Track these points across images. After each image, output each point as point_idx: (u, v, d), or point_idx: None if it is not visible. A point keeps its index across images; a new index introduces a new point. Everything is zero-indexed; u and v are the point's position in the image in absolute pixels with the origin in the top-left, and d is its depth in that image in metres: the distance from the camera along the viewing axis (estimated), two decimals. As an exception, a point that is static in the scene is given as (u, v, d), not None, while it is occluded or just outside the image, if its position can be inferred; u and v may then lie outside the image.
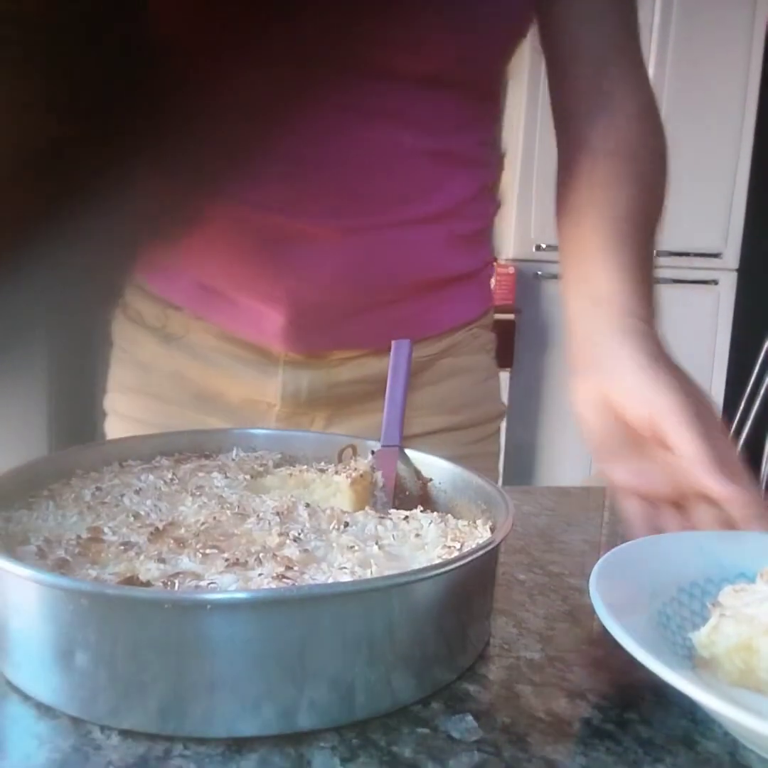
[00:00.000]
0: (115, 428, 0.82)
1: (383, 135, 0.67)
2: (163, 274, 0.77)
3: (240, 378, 0.75)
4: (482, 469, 0.70)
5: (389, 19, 0.63)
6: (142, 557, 0.42)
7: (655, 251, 0.65)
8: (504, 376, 2.21)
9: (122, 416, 0.81)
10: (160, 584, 0.39)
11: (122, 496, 0.51)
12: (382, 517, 0.49)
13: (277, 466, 0.60)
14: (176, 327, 0.76)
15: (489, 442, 0.83)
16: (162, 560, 0.42)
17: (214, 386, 0.77)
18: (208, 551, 0.42)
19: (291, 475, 0.57)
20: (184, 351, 0.76)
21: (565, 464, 2.78)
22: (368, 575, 0.41)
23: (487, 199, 0.78)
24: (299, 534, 0.45)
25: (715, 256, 2.77)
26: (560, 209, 0.70)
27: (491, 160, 0.77)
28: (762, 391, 2.02)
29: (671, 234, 2.73)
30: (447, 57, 0.66)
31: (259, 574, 0.40)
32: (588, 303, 0.60)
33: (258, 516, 0.48)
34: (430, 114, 0.69)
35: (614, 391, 0.54)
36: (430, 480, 0.59)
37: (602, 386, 0.55)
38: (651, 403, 0.51)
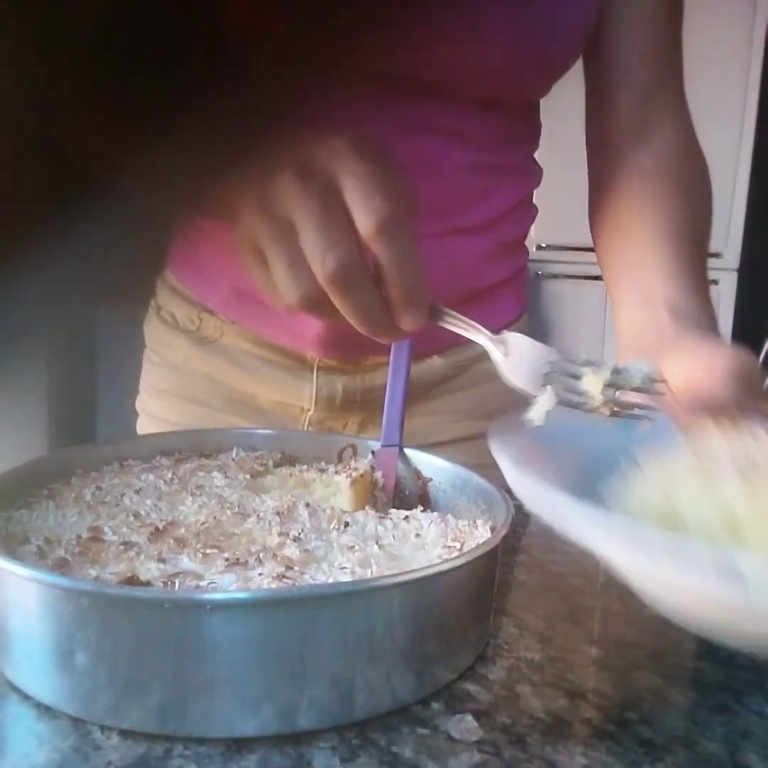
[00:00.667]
0: (146, 429, 0.82)
1: (432, 148, 0.68)
2: (199, 278, 0.77)
3: (274, 382, 0.76)
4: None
5: (452, 42, 0.63)
6: (142, 557, 0.42)
7: (706, 270, 0.64)
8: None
9: (154, 417, 0.82)
10: (161, 584, 0.39)
11: (122, 495, 0.51)
12: (382, 517, 0.49)
13: (277, 465, 0.60)
14: (210, 330, 0.76)
15: None
16: (162, 560, 0.42)
17: (247, 390, 0.77)
18: (208, 551, 0.42)
19: (291, 474, 0.57)
20: (217, 354, 0.77)
21: (565, 464, 2.78)
22: (368, 575, 0.41)
23: (528, 207, 0.78)
24: (299, 534, 0.45)
25: (716, 256, 2.76)
26: (601, 227, 0.70)
27: (534, 170, 0.78)
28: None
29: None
30: (508, 83, 0.67)
31: (260, 574, 0.40)
32: (647, 306, 0.57)
33: (258, 516, 0.48)
34: (481, 130, 0.70)
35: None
36: (431, 480, 0.59)
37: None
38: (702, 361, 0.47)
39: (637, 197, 0.68)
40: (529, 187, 0.78)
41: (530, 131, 0.76)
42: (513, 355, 0.46)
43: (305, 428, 0.77)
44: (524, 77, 0.68)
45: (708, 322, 0.55)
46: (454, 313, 0.47)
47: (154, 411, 0.82)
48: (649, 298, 0.58)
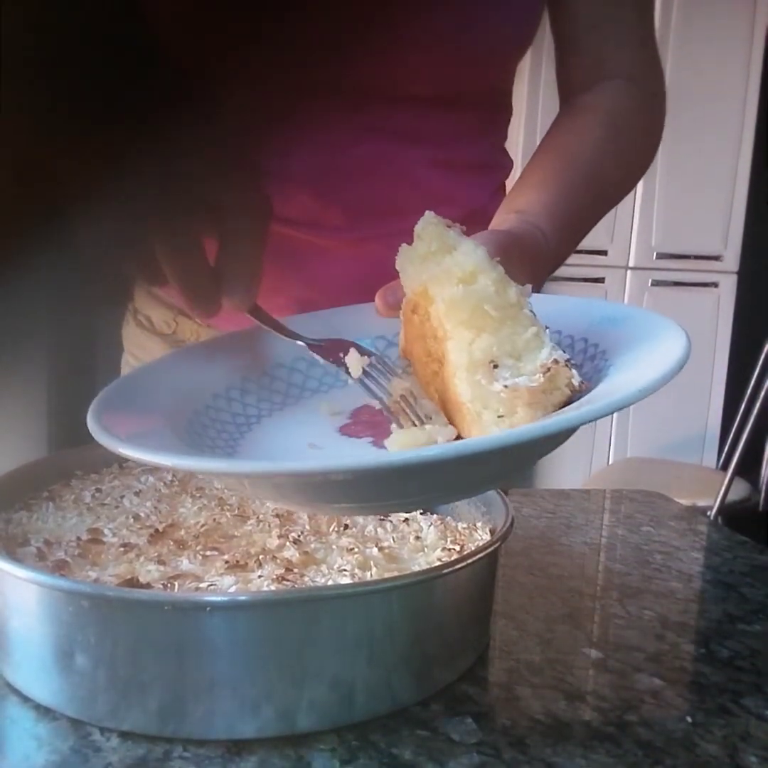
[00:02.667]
0: None
1: (388, 150, 0.68)
2: None
3: None
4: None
5: (388, 44, 0.63)
6: (142, 559, 0.42)
7: (597, 205, 0.67)
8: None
9: None
10: (160, 586, 0.39)
11: (122, 497, 0.51)
12: (382, 520, 0.49)
13: (277, 467, 0.60)
14: (186, 333, 0.76)
15: None
16: (162, 562, 0.42)
17: None
18: (208, 553, 0.42)
19: (291, 476, 0.57)
20: None
21: (564, 467, 2.78)
22: (368, 577, 0.41)
23: (500, 199, 0.78)
24: (299, 536, 0.45)
25: (715, 258, 2.77)
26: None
27: (503, 162, 0.78)
28: (762, 394, 2.01)
29: (671, 237, 2.74)
30: (450, 77, 0.67)
31: (259, 576, 0.40)
32: (502, 213, 0.60)
33: (258, 518, 0.48)
34: (441, 129, 0.69)
35: None
36: (430, 482, 0.59)
37: None
38: None
39: (554, 128, 0.70)
40: (500, 178, 0.77)
41: (493, 122, 0.75)
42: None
43: None
44: (469, 70, 0.67)
45: (542, 225, 0.58)
46: (274, 318, 0.50)
47: None
48: (507, 205, 0.62)
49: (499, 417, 0.37)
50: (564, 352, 0.39)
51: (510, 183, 0.75)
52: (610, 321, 0.44)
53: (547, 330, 0.39)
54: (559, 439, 0.38)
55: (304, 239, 0.68)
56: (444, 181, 0.71)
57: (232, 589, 0.39)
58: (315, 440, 0.45)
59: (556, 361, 0.37)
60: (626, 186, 0.73)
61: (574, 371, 0.37)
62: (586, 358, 0.43)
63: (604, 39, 0.71)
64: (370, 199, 0.69)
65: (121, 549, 0.43)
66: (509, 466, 0.40)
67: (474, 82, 0.69)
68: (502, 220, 0.58)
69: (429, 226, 0.41)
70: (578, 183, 0.64)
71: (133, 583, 0.40)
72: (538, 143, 0.69)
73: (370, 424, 0.47)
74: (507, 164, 0.78)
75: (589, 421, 0.33)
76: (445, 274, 0.39)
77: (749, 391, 2.24)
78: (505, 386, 0.37)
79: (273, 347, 0.51)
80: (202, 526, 0.47)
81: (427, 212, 0.42)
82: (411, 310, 0.43)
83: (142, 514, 0.48)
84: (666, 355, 0.38)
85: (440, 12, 0.63)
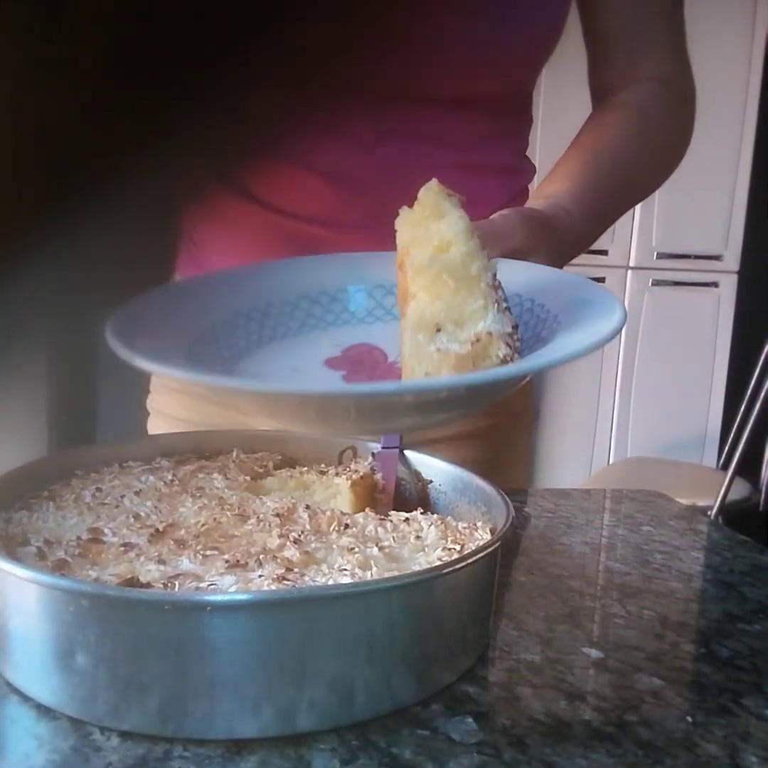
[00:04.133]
0: (156, 427, 0.84)
1: (411, 151, 0.69)
2: None
3: None
4: (512, 474, 0.72)
5: (416, 46, 0.64)
6: (142, 558, 0.42)
7: (623, 195, 0.70)
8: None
9: (164, 415, 0.83)
10: (160, 585, 0.39)
11: (122, 497, 0.51)
12: (382, 519, 0.49)
13: (277, 467, 0.60)
14: None
15: (519, 446, 0.84)
16: (162, 561, 0.42)
17: None
18: (208, 553, 0.42)
19: (291, 476, 0.57)
20: None
21: (564, 467, 2.78)
22: (368, 577, 0.41)
23: (522, 202, 0.79)
24: (299, 535, 0.45)
25: (716, 258, 2.77)
26: None
27: (525, 167, 0.78)
28: (762, 394, 2.01)
29: (672, 236, 2.74)
30: (475, 80, 0.68)
31: (260, 576, 0.40)
32: (534, 200, 0.63)
33: (258, 517, 0.48)
34: (464, 131, 0.70)
35: None
36: (430, 482, 0.59)
37: None
38: None
39: (587, 124, 0.72)
40: (522, 183, 0.78)
41: (516, 127, 0.76)
42: None
43: None
44: (494, 73, 0.68)
45: (569, 208, 0.60)
46: None
47: (167, 409, 0.83)
48: (536, 194, 0.64)
49: (425, 374, 0.41)
50: (519, 318, 0.44)
51: (532, 188, 0.76)
52: (564, 290, 0.48)
53: (506, 304, 0.43)
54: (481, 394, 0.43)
55: (325, 237, 0.69)
56: (466, 183, 0.72)
57: (233, 589, 0.39)
58: (300, 366, 0.49)
59: (489, 334, 0.41)
60: (655, 180, 0.75)
61: (502, 344, 0.41)
62: (540, 321, 0.47)
63: (639, 42, 0.73)
64: (391, 199, 0.69)
65: (122, 548, 0.43)
66: (421, 410, 0.44)
67: (498, 85, 0.70)
68: (531, 205, 0.61)
69: (430, 193, 0.44)
70: (605, 172, 0.66)
71: (133, 582, 0.40)
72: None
73: (354, 361, 0.51)
74: (529, 169, 0.79)
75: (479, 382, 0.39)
76: (425, 239, 0.42)
77: (749, 390, 2.24)
78: (438, 349, 0.41)
79: (290, 281, 0.54)
80: (203, 525, 0.47)
81: (432, 179, 0.45)
82: (398, 267, 0.45)
83: (142, 514, 0.48)
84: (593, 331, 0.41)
85: (467, 12, 0.64)
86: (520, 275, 0.50)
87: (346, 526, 0.47)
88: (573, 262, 0.65)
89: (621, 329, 0.41)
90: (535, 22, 0.67)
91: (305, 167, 0.67)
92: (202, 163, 0.69)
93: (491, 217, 0.56)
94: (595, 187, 0.64)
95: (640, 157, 0.70)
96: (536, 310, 0.48)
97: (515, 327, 0.43)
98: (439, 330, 0.41)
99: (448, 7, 0.63)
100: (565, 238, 0.58)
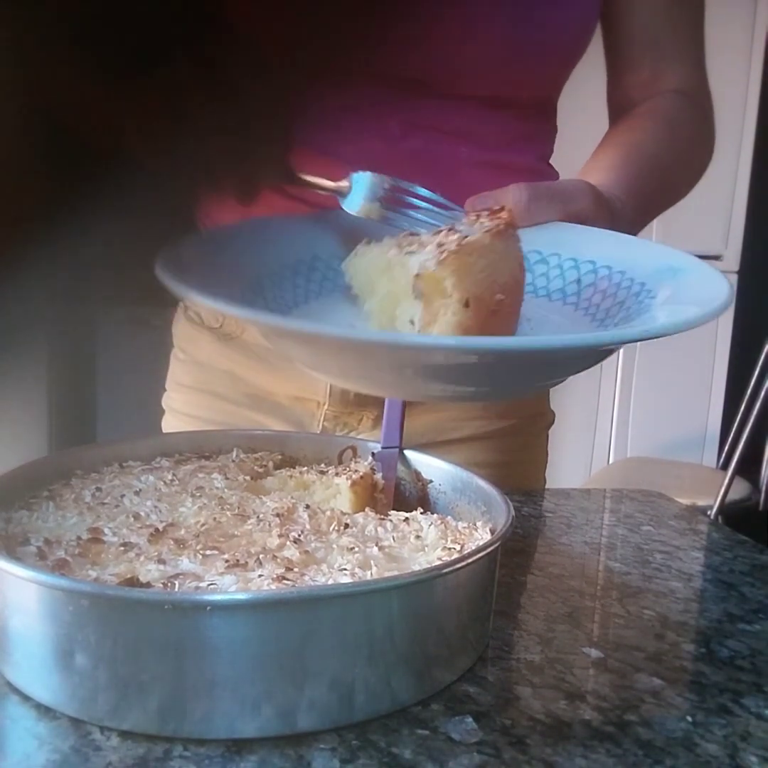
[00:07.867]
0: (170, 425, 0.84)
1: (438, 147, 0.69)
2: None
3: (290, 376, 0.77)
4: (530, 476, 0.71)
5: (448, 38, 0.64)
6: (142, 558, 0.42)
7: (662, 195, 0.70)
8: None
9: (179, 413, 0.83)
10: (160, 585, 0.39)
11: (122, 496, 0.51)
12: (382, 519, 0.49)
13: (277, 467, 0.60)
14: (232, 326, 0.79)
15: (536, 448, 0.84)
16: (162, 561, 0.42)
17: (265, 385, 0.79)
18: (208, 552, 0.42)
19: (291, 476, 0.57)
20: (238, 350, 0.79)
21: (564, 467, 2.78)
22: (368, 577, 0.41)
23: None
24: (299, 535, 0.45)
25: (716, 258, 2.77)
26: None
27: (549, 173, 0.79)
28: (762, 394, 2.01)
29: (671, 236, 2.73)
30: (504, 78, 0.68)
31: (259, 576, 0.40)
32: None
33: (258, 517, 0.48)
34: (488, 129, 0.71)
35: None
36: (430, 482, 0.59)
37: None
38: None
39: (616, 128, 0.73)
40: None
41: (542, 132, 0.77)
42: (353, 192, 0.54)
43: (320, 424, 0.78)
44: (525, 72, 0.68)
45: (619, 194, 0.61)
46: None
47: (179, 406, 0.84)
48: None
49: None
50: (593, 285, 0.48)
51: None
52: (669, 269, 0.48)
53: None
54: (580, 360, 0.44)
55: None
56: (489, 182, 0.72)
57: (233, 589, 0.39)
58: (357, 323, 0.50)
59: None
60: (686, 183, 0.75)
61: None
62: (621, 288, 0.48)
63: (661, 56, 0.74)
64: None
65: (122, 548, 0.43)
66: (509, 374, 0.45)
67: (527, 86, 0.70)
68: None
69: None
70: (645, 171, 0.67)
71: (133, 582, 0.40)
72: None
73: None
74: (552, 175, 0.80)
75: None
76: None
77: (749, 390, 2.24)
78: (411, 322, 0.45)
79: (335, 233, 0.55)
80: (203, 525, 0.47)
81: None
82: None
83: (142, 514, 0.48)
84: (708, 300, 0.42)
85: (499, 7, 0.64)
86: (596, 244, 0.49)
87: (346, 525, 0.47)
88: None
89: (731, 302, 0.42)
90: (567, 21, 0.68)
91: (330, 156, 0.68)
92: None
93: (559, 180, 0.57)
94: (639, 178, 0.64)
95: (672, 159, 0.71)
96: (615, 277, 0.48)
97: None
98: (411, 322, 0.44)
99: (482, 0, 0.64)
100: (618, 223, 0.58)
